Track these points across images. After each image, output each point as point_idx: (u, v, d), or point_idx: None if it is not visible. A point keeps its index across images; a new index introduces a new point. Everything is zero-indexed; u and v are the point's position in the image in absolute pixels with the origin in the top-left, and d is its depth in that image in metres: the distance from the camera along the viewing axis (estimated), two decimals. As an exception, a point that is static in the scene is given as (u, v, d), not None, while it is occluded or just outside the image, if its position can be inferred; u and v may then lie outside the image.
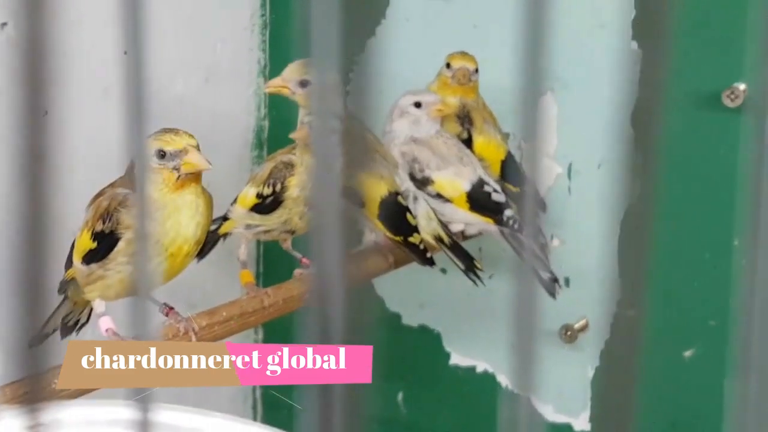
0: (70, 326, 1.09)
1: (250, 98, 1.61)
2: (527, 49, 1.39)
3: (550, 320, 1.50)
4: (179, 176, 0.95)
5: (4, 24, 1.25)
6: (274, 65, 1.60)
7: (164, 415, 0.76)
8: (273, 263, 1.64)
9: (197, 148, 0.96)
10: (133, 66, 0.37)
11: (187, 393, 1.61)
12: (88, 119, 1.33)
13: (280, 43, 1.61)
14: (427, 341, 1.61)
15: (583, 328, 1.49)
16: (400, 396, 1.65)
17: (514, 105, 1.48)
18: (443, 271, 1.53)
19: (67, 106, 1.12)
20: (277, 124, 1.61)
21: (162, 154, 0.95)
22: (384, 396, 1.65)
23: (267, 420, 1.75)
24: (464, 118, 1.36)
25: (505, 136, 1.41)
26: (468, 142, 1.36)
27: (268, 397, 1.75)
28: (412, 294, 1.60)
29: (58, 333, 1.08)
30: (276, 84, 1.24)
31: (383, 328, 1.63)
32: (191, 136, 0.97)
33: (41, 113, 1.14)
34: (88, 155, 1.28)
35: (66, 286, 1.03)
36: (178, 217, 0.96)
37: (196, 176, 0.97)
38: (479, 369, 1.58)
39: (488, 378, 1.57)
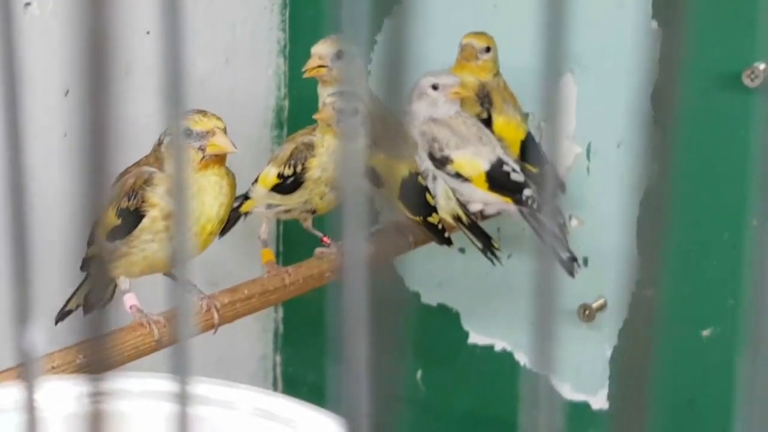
0: (93, 303, 1.10)
1: (271, 78, 1.62)
2: (547, 29, 1.40)
3: (568, 299, 1.50)
4: (204, 157, 0.96)
5: (28, 4, 1.26)
6: (294, 45, 1.60)
7: (196, 387, 0.77)
8: (293, 242, 1.65)
9: (224, 130, 0.97)
10: (167, 45, 0.38)
11: (208, 371, 1.62)
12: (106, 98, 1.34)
13: (300, 23, 1.62)
14: (446, 320, 1.62)
15: (602, 308, 1.49)
16: (419, 374, 1.65)
17: (534, 85, 1.48)
18: (461, 250, 1.53)
19: (87, 86, 1.12)
20: (297, 104, 1.62)
21: (189, 133, 0.96)
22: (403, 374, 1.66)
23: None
24: (484, 98, 1.37)
25: (525, 117, 1.41)
26: (488, 122, 1.36)
27: (288, 375, 1.76)
28: (431, 273, 1.61)
29: (80, 309, 1.09)
30: (313, 64, 1.22)
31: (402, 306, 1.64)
32: (219, 118, 0.98)
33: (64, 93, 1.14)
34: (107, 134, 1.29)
35: (89, 263, 1.04)
36: (203, 197, 0.97)
37: (221, 158, 0.98)
38: (497, 347, 1.59)
39: (506, 356, 1.58)
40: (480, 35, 1.38)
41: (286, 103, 1.63)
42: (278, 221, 1.67)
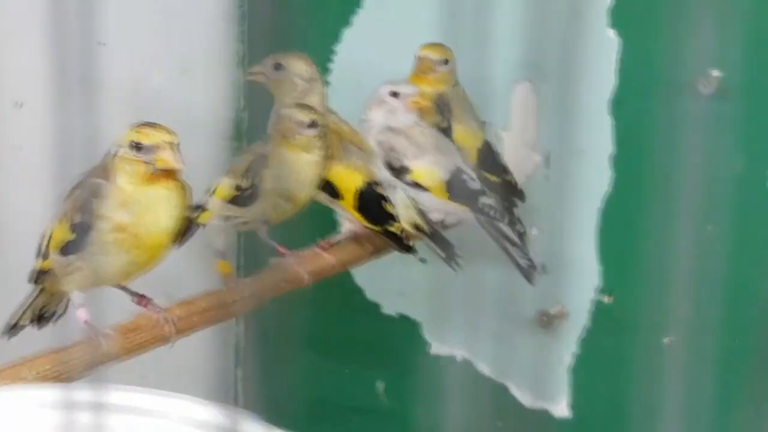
0: (47, 317, 1.09)
1: (229, 89, 1.61)
2: (504, 39, 1.39)
3: (527, 307, 1.51)
4: (152, 171, 0.95)
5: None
6: (253, 56, 1.60)
7: (125, 396, 0.77)
8: (254, 254, 1.65)
9: (174, 146, 0.96)
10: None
11: (168, 384, 1.61)
12: (62, 110, 1.33)
13: (259, 35, 1.61)
14: (407, 330, 1.61)
15: (561, 315, 1.50)
16: (381, 386, 1.65)
17: (491, 94, 1.48)
18: (422, 260, 1.53)
19: (42, 98, 1.11)
20: (255, 116, 1.62)
21: (138, 147, 0.95)
22: (364, 385, 1.66)
23: (248, 410, 1.76)
24: (443, 107, 1.37)
25: (483, 125, 1.42)
26: (447, 131, 1.37)
27: (249, 388, 1.75)
28: (391, 284, 1.61)
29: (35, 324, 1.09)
30: (254, 71, 1.27)
31: (362, 317, 1.64)
32: (171, 133, 0.97)
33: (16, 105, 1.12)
34: (63, 146, 1.29)
35: (41, 276, 1.03)
36: (154, 210, 0.96)
37: (170, 172, 0.97)
38: (459, 358, 1.59)
39: (468, 366, 1.58)
40: (436, 48, 1.38)
41: (246, 114, 1.63)
42: (239, 233, 1.66)
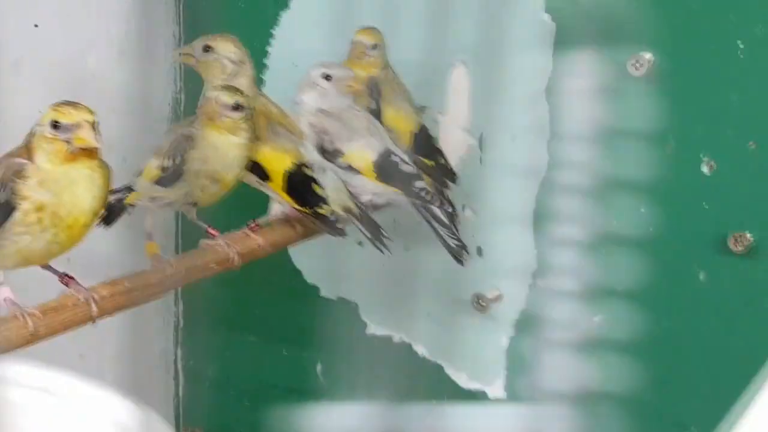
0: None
1: (167, 71, 1.62)
2: (436, 22, 1.41)
3: (463, 290, 1.52)
4: (71, 149, 0.96)
5: None
6: (189, 38, 1.60)
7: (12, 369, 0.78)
8: (191, 234, 1.66)
9: (93, 124, 0.96)
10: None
11: (108, 363, 1.62)
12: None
13: (195, 16, 1.62)
14: (345, 313, 1.63)
15: (497, 298, 1.51)
16: (318, 367, 1.66)
17: (430, 78, 1.49)
18: (360, 243, 1.54)
19: None
20: (193, 97, 1.62)
21: (56, 125, 0.96)
22: (302, 367, 1.67)
23: (188, 390, 1.77)
24: (373, 89, 1.38)
25: (419, 109, 1.43)
26: (377, 114, 1.37)
27: (189, 368, 1.76)
28: (329, 267, 1.62)
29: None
30: (183, 51, 1.28)
31: (301, 300, 1.65)
32: (90, 111, 0.97)
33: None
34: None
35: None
36: (74, 190, 0.97)
37: (90, 151, 0.97)
38: (396, 339, 1.60)
39: (405, 347, 1.59)
40: (368, 32, 1.39)
41: (182, 96, 1.63)
42: (177, 214, 1.67)
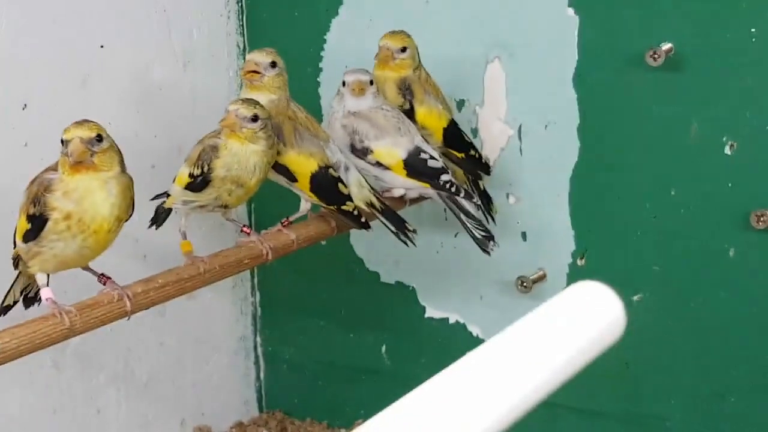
0: (31, 297, 1.22)
1: (231, 81, 1.72)
2: (474, 21, 1.53)
3: (510, 273, 1.59)
4: (70, 162, 1.07)
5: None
6: (254, 48, 1.71)
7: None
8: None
9: (82, 139, 1.06)
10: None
11: (187, 350, 1.73)
12: (67, 110, 1.44)
13: (259, 27, 1.72)
14: (404, 297, 1.72)
15: (540, 279, 1.58)
16: (383, 348, 1.76)
17: (468, 74, 1.60)
18: (414, 231, 1.63)
19: (47, 97, 1.25)
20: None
21: (62, 142, 1.08)
22: (369, 349, 1.77)
23: (268, 374, 1.89)
24: (406, 90, 1.45)
25: (447, 107, 1.50)
26: (410, 113, 1.45)
27: (268, 354, 1.88)
28: (387, 254, 1.71)
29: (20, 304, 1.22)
30: (249, 68, 1.32)
31: (364, 286, 1.75)
32: (91, 128, 1.08)
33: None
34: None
35: (15, 261, 1.16)
36: (93, 198, 1.07)
37: (88, 164, 1.08)
38: (451, 320, 1.68)
39: (460, 328, 1.68)
40: (395, 36, 1.45)
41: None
42: (248, 204, 1.79)
